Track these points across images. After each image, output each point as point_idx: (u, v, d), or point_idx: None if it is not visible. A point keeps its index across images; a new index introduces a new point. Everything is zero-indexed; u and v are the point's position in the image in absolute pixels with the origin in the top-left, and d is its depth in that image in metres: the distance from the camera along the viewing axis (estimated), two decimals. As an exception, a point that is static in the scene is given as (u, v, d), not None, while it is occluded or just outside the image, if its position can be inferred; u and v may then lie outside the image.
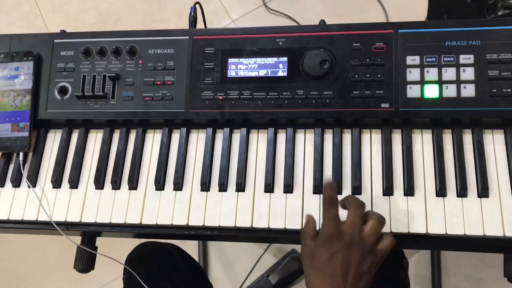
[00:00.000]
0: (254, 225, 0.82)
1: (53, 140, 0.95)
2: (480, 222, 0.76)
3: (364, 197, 0.81)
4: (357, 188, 0.81)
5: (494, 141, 0.82)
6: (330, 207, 0.72)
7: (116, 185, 0.89)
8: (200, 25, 1.07)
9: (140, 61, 0.92)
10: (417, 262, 1.62)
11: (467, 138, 0.82)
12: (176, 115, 0.88)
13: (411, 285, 1.00)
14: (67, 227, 0.89)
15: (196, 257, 1.67)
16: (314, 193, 0.83)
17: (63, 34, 0.97)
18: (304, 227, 0.75)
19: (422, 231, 0.77)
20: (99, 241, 0.96)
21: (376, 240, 0.71)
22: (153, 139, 0.91)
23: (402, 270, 0.98)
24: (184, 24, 1.01)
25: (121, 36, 0.93)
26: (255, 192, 0.85)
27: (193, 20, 0.98)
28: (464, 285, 1.60)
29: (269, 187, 0.84)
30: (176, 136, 0.91)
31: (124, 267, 1.04)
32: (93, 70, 0.92)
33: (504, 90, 0.80)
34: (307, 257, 0.72)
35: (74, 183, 0.90)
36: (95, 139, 0.93)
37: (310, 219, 0.75)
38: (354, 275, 0.68)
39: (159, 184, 0.87)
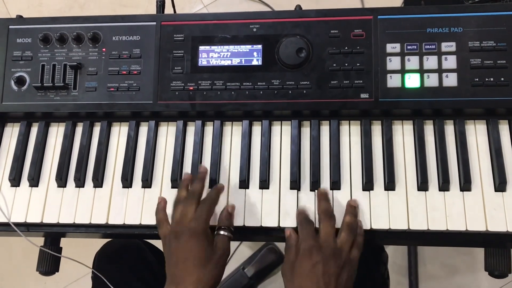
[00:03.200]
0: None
1: (10, 134, 0.88)
2: (462, 217, 0.74)
3: (343, 192, 0.78)
4: (336, 183, 0.78)
5: (476, 132, 0.79)
6: (307, 225, 0.73)
7: (79, 183, 0.83)
8: (169, 10, 1.01)
9: (104, 49, 0.85)
10: (394, 251, 1.62)
11: (449, 129, 0.79)
12: (143, 107, 0.83)
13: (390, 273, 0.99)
14: (28, 228, 0.83)
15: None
16: (291, 188, 0.79)
17: (19, 19, 0.89)
18: (287, 241, 0.74)
19: (404, 227, 0.74)
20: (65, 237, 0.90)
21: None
22: (119, 133, 0.86)
23: (381, 264, 0.96)
24: (154, 9, 0.95)
25: (83, 22, 0.86)
26: (229, 189, 0.80)
27: (161, 4, 0.92)
28: (439, 273, 1.60)
29: (244, 183, 0.79)
30: (144, 130, 0.85)
31: (93, 264, 0.99)
32: (52, 58, 0.85)
33: (486, 79, 0.77)
34: (288, 272, 0.71)
35: (34, 181, 0.83)
36: (56, 133, 0.87)
37: (291, 233, 0.75)
38: (334, 285, 0.67)
39: (126, 181, 0.81)
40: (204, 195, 0.77)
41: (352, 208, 0.75)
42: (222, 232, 0.75)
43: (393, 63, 0.79)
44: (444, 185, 0.75)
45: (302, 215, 0.75)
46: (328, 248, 0.70)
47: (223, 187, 0.79)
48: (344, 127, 0.82)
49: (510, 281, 1.50)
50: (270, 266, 1.40)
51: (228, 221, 0.76)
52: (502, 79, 0.77)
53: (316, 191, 0.77)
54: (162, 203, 0.78)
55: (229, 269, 1.49)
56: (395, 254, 1.62)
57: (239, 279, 1.37)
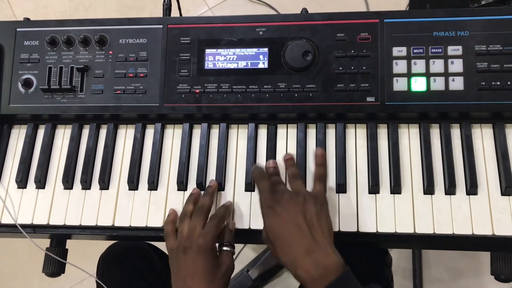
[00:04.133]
0: (236, 226, 0.78)
1: (18, 136, 0.88)
2: (468, 220, 0.74)
3: (349, 195, 0.78)
4: (341, 186, 0.78)
5: (482, 136, 0.79)
6: (260, 181, 0.75)
7: (86, 185, 0.83)
8: (175, 13, 1.02)
9: (111, 52, 0.85)
10: (399, 254, 1.61)
11: (455, 133, 0.79)
12: (150, 109, 0.83)
13: (393, 276, 0.98)
14: (34, 230, 0.83)
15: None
16: (297, 191, 0.79)
17: (26, 22, 0.90)
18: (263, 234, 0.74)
19: (410, 231, 0.74)
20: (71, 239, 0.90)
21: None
22: (126, 135, 0.86)
23: (385, 266, 0.96)
24: (160, 12, 0.95)
25: (90, 24, 0.87)
26: (235, 191, 0.80)
27: (167, 7, 0.92)
28: (444, 276, 1.59)
29: (249, 186, 0.79)
30: (150, 132, 0.85)
31: (97, 267, 0.99)
32: (59, 61, 0.86)
33: (493, 83, 0.77)
34: (267, 243, 0.72)
35: (40, 183, 0.84)
36: (63, 135, 0.87)
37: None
38: (306, 223, 0.68)
39: (133, 184, 0.82)
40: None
41: (319, 158, 0.78)
42: (225, 248, 0.76)
43: (399, 66, 0.79)
44: (450, 189, 0.75)
45: (255, 171, 0.77)
46: (283, 194, 0.71)
47: (231, 204, 0.79)
48: (350, 130, 0.82)
49: (515, 285, 1.50)
50: (275, 269, 1.39)
51: (230, 237, 0.77)
52: (509, 83, 0.76)
53: (284, 157, 0.80)
54: (172, 215, 0.78)
55: (234, 271, 1.49)
56: (400, 257, 1.62)
57: (243, 281, 1.36)
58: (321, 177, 0.76)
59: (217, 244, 0.76)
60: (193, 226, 0.74)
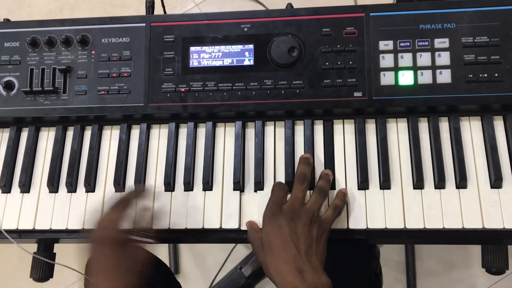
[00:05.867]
0: (223, 226, 0.77)
1: (0, 140, 0.86)
2: (459, 214, 0.73)
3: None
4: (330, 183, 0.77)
5: (471, 129, 0.78)
6: (276, 190, 0.74)
7: (71, 188, 0.81)
8: (159, 10, 1.00)
9: (93, 52, 0.84)
10: (391, 248, 1.61)
11: (444, 126, 0.79)
12: (134, 109, 0.82)
13: (386, 270, 0.98)
14: (20, 235, 0.82)
15: (166, 253, 1.62)
16: (286, 189, 0.78)
17: (6, 23, 0.88)
18: (249, 230, 0.75)
19: (400, 226, 0.74)
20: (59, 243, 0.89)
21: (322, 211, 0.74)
22: (111, 136, 0.84)
23: (373, 259, 0.95)
24: (145, 10, 0.93)
25: (71, 24, 0.85)
26: (224, 191, 0.79)
27: (150, 5, 0.90)
28: (437, 268, 1.59)
29: (238, 185, 0.78)
30: (135, 133, 0.84)
31: (86, 270, 0.98)
32: (41, 62, 0.84)
33: (480, 75, 0.76)
34: (257, 248, 0.72)
35: (25, 187, 0.82)
36: (47, 137, 0.85)
37: (251, 223, 0.76)
38: (304, 243, 0.68)
39: (119, 186, 0.80)
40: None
41: (325, 175, 0.76)
42: (133, 237, 0.71)
43: (386, 60, 0.78)
44: (439, 183, 0.75)
45: (275, 184, 0.76)
46: (292, 211, 0.71)
47: (143, 189, 0.77)
48: (338, 126, 0.81)
49: (507, 274, 1.50)
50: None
51: (145, 224, 0.74)
52: (496, 74, 0.76)
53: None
54: None
55: (226, 269, 1.48)
56: (392, 251, 1.62)
57: (236, 279, 1.36)
58: (336, 208, 0.74)
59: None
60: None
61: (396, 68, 0.78)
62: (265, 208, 0.73)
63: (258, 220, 0.76)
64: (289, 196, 0.75)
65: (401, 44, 0.78)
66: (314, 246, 0.69)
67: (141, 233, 0.73)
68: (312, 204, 0.72)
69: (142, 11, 1.94)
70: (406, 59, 0.78)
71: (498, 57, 0.76)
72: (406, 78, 0.77)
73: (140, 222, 0.74)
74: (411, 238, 0.76)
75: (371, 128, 0.80)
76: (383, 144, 0.78)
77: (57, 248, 0.88)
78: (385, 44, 0.79)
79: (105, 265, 0.67)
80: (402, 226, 0.74)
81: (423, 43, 0.78)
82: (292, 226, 0.69)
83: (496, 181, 0.74)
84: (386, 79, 0.78)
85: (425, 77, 0.77)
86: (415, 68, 0.78)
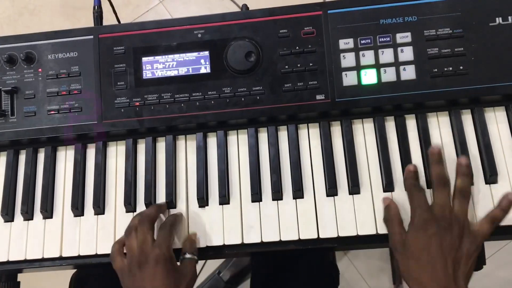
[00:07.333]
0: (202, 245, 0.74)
1: None
2: (431, 215, 0.71)
3: (306, 199, 0.74)
4: (298, 192, 0.74)
5: (439, 125, 0.75)
6: (418, 192, 0.68)
7: (27, 216, 0.77)
8: (111, 19, 0.95)
9: (40, 69, 0.79)
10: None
11: (411, 124, 0.76)
12: (88, 128, 0.77)
13: (370, 260, 0.95)
14: (-23, 268, 0.77)
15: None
16: (253, 201, 0.75)
17: None
18: (387, 213, 0.70)
19: (372, 231, 0.71)
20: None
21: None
22: (66, 158, 0.80)
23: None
24: (109, 9, 0.88)
25: (14, 41, 0.80)
26: (188, 208, 0.76)
27: (98, 15, 0.85)
28: (421, 254, 1.59)
29: (202, 201, 0.75)
30: (91, 152, 0.80)
31: (70, 283, 0.94)
32: (-16, 84, 0.79)
33: (445, 69, 0.73)
34: (399, 244, 0.66)
35: (-22, 218, 0.78)
36: (-3, 164, 0.81)
37: (391, 203, 0.70)
38: (453, 259, 0.63)
39: (77, 210, 0.76)
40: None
41: (464, 168, 0.68)
42: (188, 256, 0.71)
43: (348, 59, 0.75)
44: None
45: (410, 181, 0.70)
46: (443, 219, 0.64)
47: (182, 214, 0.75)
48: (303, 131, 0.77)
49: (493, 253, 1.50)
50: (246, 269, 1.36)
51: (191, 246, 0.72)
52: (461, 67, 0.73)
53: (428, 150, 0.71)
54: (121, 238, 0.73)
55: (205, 274, 1.45)
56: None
57: (215, 285, 1.33)
58: (495, 219, 0.67)
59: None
60: (142, 238, 0.68)
61: (358, 67, 0.75)
62: (414, 212, 0.67)
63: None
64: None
65: (362, 42, 0.75)
66: (463, 266, 0.63)
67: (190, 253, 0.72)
68: (459, 211, 0.66)
69: (106, 12, 1.88)
70: (368, 57, 0.75)
71: (462, 49, 0.73)
72: (369, 77, 0.74)
73: (187, 245, 0.73)
74: (385, 243, 0.73)
75: (336, 131, 0.77)
76: (349, 147, 0.75)
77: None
78: (345, 43, 0.75)
79: (164, 282, 0.66)
80: (374, 232, 0.71)
81: (385, 39, 0.75)
82: (443, 237, 0.63)
83: (467, 179, 0.71)
84: (349, 79, 0.75)
85: (389, 75, 0.74)
86: (377, 65, 0.74)
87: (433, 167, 0.69)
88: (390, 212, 0.69)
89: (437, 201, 0.67)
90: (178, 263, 0.71)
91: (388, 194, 0.73)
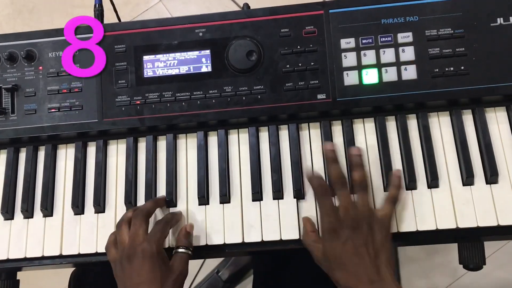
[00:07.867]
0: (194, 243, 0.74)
1: None
2: (432, 215, 0.71)
3: (308, 200, 0.74)
4: (299, 192, 0.74)
5: (440, 125, 0.75)
6: (323, 198, 0.68)
7: (28, 214, 0.77)
8: (111, 18, 0.95)
9: (41, 67, 0.79)
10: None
11: (412, 124, 0.76)
12: (88, 126, 0.77)
13: None
14: (-24, 266, 0.77)
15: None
16: (253, 200, 0.75)
17: None
18: (303, 233, 0.71)
19: (372, 231, 0.71)
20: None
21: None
22: (66, 156, 0.80)
23: None
24: (110, 8, 0.87)
25: (15, 39, 0.80)
26: (188, 206, 0.76)
27: (99, 13, 0.85)
28: (419, 254, 1.59)
29: (203, 199, 0.75)
30: (92, 150, 0.79)
31: (69, 282, 0.94)
32: (-15, 82, 0.79)
33: (446, 69, 0.73)
34: (322, 259, 0.67)
35: (-23, 216, 0.77)
36: (-3, 162, 0.81)
37: (306, 222, 0.72)
38: (371, 253, 0.64)
39: (78, 208, 0.76)
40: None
41: (356, 158, 0.69)
42: (180, 250, 0.71)
43: (349, 59, 0.75)
44: (410, 184, 0.72)
45: (314, 182, 0.69)
46: (351, 220, 0.65)
47: (181, 213, 0.75)
48: (304, 131, 0.77)
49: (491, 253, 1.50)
50: (245, 268, 1.36)
51: (186, 239, 0.72)
52: (462, 67, 0.73)
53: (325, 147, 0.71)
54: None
55: (203, 273, 1.45)
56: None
57: (214, 283, 1.32)
58: (394, 199, 0.69)
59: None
60: (134, 231, 0.68)
61: (359, 67, 0.75)
62: (320, 221, 0.68)
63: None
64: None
65: (363, 41, 0.75)
66: (381, 254, 0.65)
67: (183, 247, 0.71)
68: (362, 206, 0.67)
69: (107, 11, 1.87)
70: (369, 56, 0.75)
71: (463, 49, 0.73)
72: (370, 77, 0.74)
73: (182, 237, 0.72)
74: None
75: (337, 131, 0.77)
76: (350, 147, 0.75)
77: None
78: (347, 42, 0.75)
79: (150, 277, 0.66)
80: (374, 231, 0.71)
81: (386, 38, 0.75)
82: (357, 238, 0.65)
83: (467, 179, 0.71)
84: (350, 78, 0.75)
85: (390, 74, 0.74)
86: (379, 65, 0.74)
87: (330, 167, 0.69)
88: (307, 232, 0.71)
89: (340, 203, 0.67)
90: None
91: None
